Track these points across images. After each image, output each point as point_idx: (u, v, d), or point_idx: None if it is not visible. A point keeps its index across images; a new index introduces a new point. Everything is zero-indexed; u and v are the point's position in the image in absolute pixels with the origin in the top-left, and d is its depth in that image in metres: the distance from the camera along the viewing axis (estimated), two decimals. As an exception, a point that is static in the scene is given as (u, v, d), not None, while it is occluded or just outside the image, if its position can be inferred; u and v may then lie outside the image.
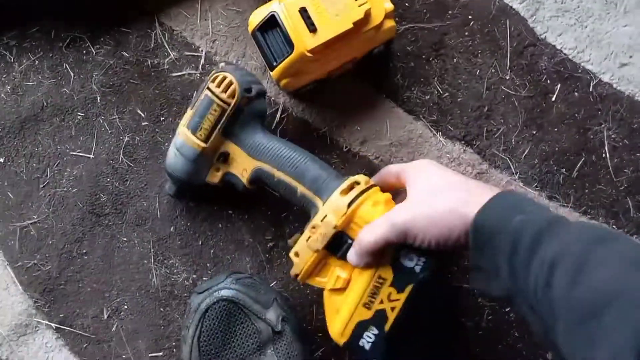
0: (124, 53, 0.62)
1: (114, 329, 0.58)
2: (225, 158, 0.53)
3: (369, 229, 0.46)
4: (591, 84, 0.60)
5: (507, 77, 0.60)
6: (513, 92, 0.60)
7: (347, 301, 0.47)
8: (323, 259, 0.49)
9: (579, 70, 0.60)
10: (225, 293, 0.50)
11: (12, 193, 0.61)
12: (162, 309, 0.58)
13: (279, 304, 0.53)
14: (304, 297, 0.58)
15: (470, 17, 0.61)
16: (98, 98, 0.62)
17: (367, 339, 0.47)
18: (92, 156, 0.61)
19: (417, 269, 0.46)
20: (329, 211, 0.48)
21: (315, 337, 0.57)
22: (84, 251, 0.59)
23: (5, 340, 0.58)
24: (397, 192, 0.50)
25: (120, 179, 0.60)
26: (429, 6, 0.61)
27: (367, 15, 0.52)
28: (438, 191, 0.45)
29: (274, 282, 0.58)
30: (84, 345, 0.58)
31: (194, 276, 0.59)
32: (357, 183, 0.49)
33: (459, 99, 0.60)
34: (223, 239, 0.59)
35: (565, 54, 0.60)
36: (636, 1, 0.61)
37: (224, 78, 0.51)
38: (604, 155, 0.59)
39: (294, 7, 0.52)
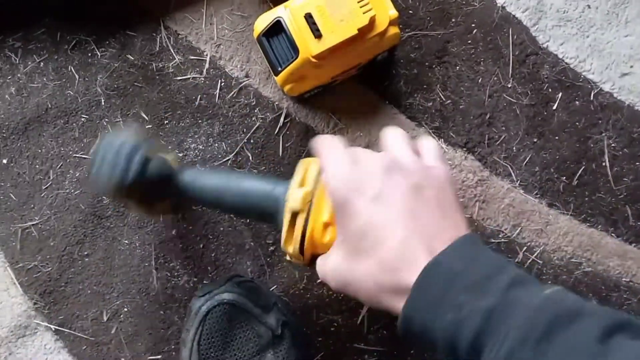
0: (129, 56, 0.62)
1: (113, 332, 0.58)
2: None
3: (319, 268, 0.44)
4: (592, 93, 0.60)
5: (509, 85, 0.60)
6: (515, 100, 0.60)
7: None
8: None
9: (580, 80, 0.60)
10: (226, 296, 0.50)
11: (15, 194, 0.61)
12: (162, 312, 0.58)
13: (280, 308, 0.53)
14: (305, 302, 0.58)
15: (473, 25, 0.61)
16: (102, 101, 0.62)
17: None
18: (95, 158, 0.61)
19: None
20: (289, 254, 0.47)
21: (316, 342, 0.57)
22: (85, 253, 0.59)
23: (4, 341, 0.58)
24: None
25: (122, 182, 0.60)
26: (433, 14, 0.62)
27: (372, 21, 0.53)
28: (358, 249, 0.39)
29: (275, 287, 0.58)
30: (83, 348, 0.58)
31: (195, 279, 0.59)
32: (296, 212, 0.44)
33: (461, 106, 0.60)
34: (224, 243, 0.59)
35: (566, 63, 0.61)
36: (637, 12, 0.61)
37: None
38: (604, 163, 0.59)
39: (299, 12, 0.52)
